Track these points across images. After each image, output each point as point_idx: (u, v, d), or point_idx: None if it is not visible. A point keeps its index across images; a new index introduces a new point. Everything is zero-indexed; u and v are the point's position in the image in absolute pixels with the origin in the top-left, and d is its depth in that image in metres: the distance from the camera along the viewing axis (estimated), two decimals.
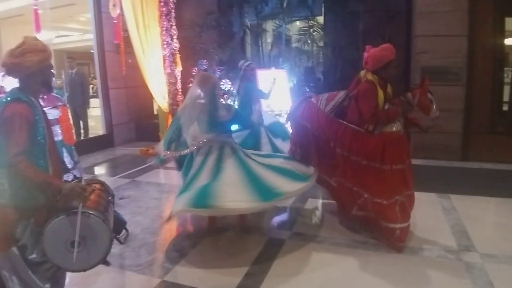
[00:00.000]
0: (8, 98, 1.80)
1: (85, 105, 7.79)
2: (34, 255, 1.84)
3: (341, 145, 3.09)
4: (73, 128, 5.43)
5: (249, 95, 4.27)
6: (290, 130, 4.03)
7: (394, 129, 2.99)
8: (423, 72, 5.54)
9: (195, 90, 3.12)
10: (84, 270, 1.98)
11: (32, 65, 1.81)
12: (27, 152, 1.74)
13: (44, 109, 4.49)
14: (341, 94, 3.26)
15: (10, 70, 1.85)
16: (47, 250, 1.79)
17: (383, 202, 2.95)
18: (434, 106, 2.99)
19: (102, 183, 2.21)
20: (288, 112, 3.73)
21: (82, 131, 7.65)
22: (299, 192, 3.10)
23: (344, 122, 3.10)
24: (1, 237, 1.82)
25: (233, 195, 2.77)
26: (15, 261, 1.83)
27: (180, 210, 2.94)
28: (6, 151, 1.72)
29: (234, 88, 4.49)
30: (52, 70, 1.95)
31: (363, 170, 3.01)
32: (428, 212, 3.67)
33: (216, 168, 3.02)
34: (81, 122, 7.60)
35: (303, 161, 3.35)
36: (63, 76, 7.72)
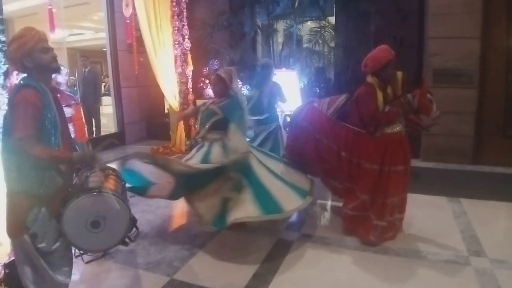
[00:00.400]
0: (18, 85, 1.84)
1: (97, 103, 7.90)
2: (43, 244, 1.86)
3: (344, 148, 3.11)
4: (86, 126, 5.53)
5: (278, 93, 4.46)
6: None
7: (395, 130, 3.03)
8: (435, 74, 5.49)
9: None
10: (104, 251, 2.00)
11: (14, 55, 1.83)
12: (35, 136, 1.74)
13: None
14: (342, 97, 3.33)
15: (11, 67, 1.88)
16: (67, 231, 1.81)
17: (380, 201, 3.03)
18: (434, 106, 3.02)
19: (114, 169, 2.27)
20: (291, 116, 3.73)
21: (94, 129, 7.75)
22: (298, 209, 3.11)
23: (346, 124, 3.14)
24: (14, 224, 1.86)
25: (288, 198, 2.90)
26: (28, 249, 1.86)
27: (244, 218, 2.84)
28: (12, 136, 1.73)
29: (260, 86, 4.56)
30: (43, 50, 1.87)
31: (364, 172, 3.05)
32: (438, 216, 3.65)
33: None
34: (93, 120, 7.71)
35: (301, 168, 3.40)
36: (76, 75, 7.84)
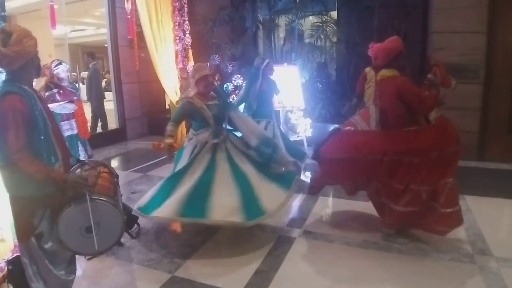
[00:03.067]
0: (1, 92, 1.77)
1: (100, 99, 7.88)
2: (50, 243, 1.90)
3: (408, 153, 2.84)
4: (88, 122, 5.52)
5: (272, 90, 4.75)
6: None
7: (438, 113, 2.96)
8: None
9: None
10: (101, 254, 2.03)
11: (32, 50, 1.81)
12: (28, 144, 1.73)
13: (60, 103, 4.52)
14: (373, 107, 3.14)
15: (12, 60, 1.73)
16: (63, 238, 1.85)
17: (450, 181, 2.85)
18: (451, 78, 3.02)
19: (106, 165, 2.24)
20: (314, 149, 3.34)
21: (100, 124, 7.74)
22: (282, 206, 3.05)
23: (399, 130, 2.90)
24: (22, 227, 1.89)
25: (223, 211, 2.82)
26: (33, 250, 1.89)
27: (165, 218, 2.98)
28: (6, 148, 1.71)
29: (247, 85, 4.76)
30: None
31: (434, 163, 2.83)
32: None
33: (207, 172, 3.00)
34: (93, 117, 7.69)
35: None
36: (78, 71, 7.81)
